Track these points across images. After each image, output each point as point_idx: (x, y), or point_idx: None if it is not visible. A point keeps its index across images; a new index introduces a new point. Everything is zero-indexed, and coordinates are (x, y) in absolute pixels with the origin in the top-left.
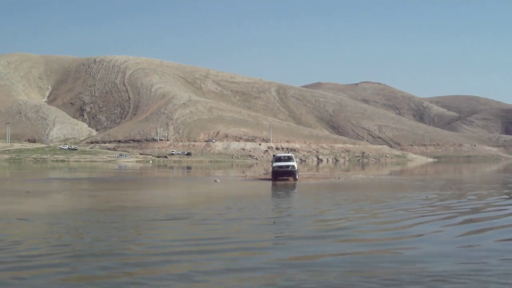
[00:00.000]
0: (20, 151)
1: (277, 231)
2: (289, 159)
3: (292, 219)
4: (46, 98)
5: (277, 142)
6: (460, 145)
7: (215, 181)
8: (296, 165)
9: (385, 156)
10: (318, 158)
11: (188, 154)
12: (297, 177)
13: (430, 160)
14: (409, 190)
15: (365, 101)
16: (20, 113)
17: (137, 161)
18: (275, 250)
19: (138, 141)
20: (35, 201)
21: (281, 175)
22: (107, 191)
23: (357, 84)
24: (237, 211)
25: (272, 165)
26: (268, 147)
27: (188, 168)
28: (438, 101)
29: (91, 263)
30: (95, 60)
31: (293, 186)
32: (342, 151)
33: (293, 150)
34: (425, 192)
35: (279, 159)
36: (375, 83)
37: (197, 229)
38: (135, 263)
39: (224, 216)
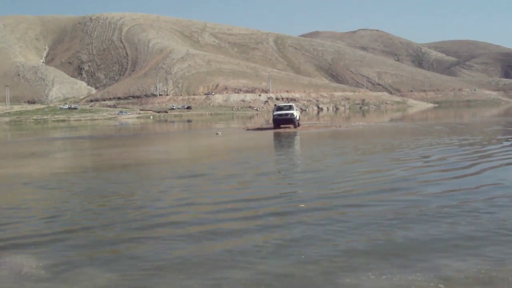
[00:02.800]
0: (21, 113)
1: (334, 180)
2: (289, 108)
3: (335, 170)
4: (43, 58)
5: (277, 92)
6: (460, 89)
7: (217, 133)
8: (296, 113)
9: (385, 103)
10: (318, 107)
11: (188, 108)
12: (297, 124)
13: (431, 105)
14: (434, 135)
15: (364, 48)
16: (19, 75)
17: (137, 117)
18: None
19: (137, 97)
20: (44, 162)
21: (282, 123)
22: (112, 148)
23: (354, 31)
24: (260, 164)
25: (273, 114)
26: (268, 98)
27: (189, 121)
28: (437, 46)
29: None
30: (91, 18)
31: (299, 135)
32: (342, 99)
33: (293, 99)
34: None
35: (280, 108)
36: (373, 30)
37: (240, 186)
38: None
39: (251, 170)
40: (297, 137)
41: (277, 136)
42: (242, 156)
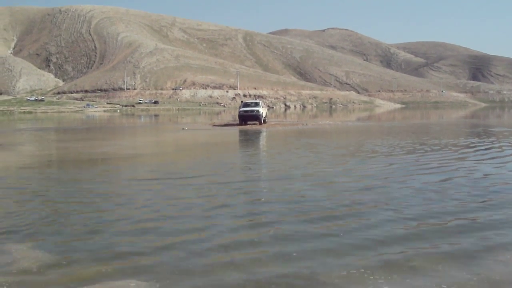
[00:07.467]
0: None
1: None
2: (256, 105)
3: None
4: (11, 49)
5: (245, 89)
6: (427, 91)
7: (183, 129)
8: (262, 110)
9: (353, 102)
10: (285, 105)
11: (156, 102)
12: (262, 121)
13: (398, 106)
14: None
15: (332, 47)
16: None
17: (104, 111)
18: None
19: (105, 90)
20: (7, 155)
21: (247, 119)
22: (79, 141)
23: (324, 30)
24: (251, 165)
25: (239, 110)
26: (236, 94)
27: (156, 116)
28: (406, 47)
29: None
30: (60, 10)
31: (266, 132)
32: (310, 98)
33: (260, 97)
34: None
35: (246, 105)
36: (342, 29)
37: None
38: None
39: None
40: (263, 134)
41: (243, 132)
42: (208, 153)
